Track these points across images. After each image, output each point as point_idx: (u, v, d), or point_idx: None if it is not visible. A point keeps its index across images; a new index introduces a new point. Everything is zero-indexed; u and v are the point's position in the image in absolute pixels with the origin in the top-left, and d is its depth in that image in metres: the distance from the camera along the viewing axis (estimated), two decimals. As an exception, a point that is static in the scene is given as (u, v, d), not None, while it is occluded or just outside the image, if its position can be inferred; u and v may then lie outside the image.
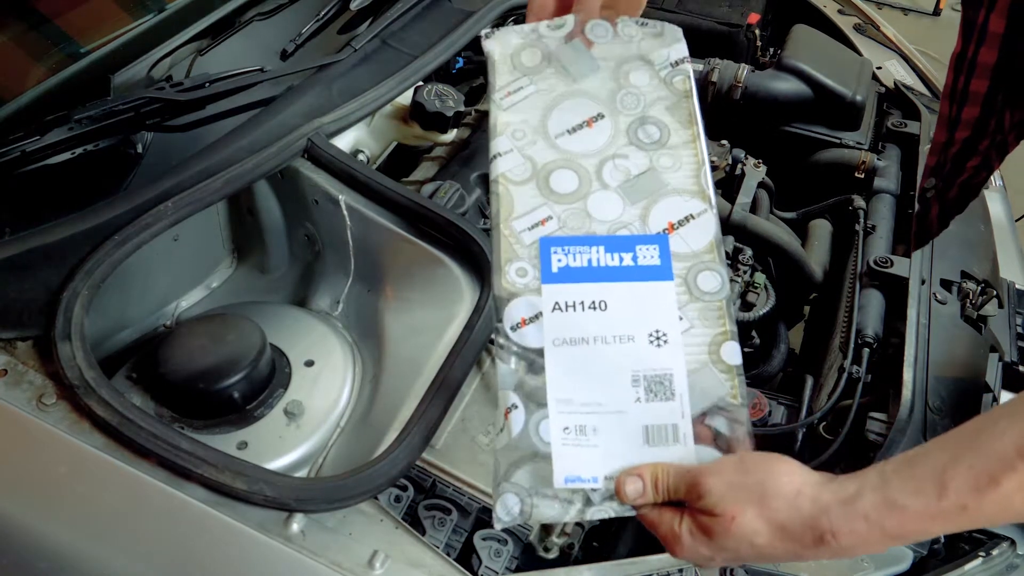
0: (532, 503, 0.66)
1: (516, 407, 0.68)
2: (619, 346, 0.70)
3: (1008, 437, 0.55)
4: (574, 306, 0.71)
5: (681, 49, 0.82)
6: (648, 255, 0.73)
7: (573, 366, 0.69)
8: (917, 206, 1.08)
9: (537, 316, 0.70)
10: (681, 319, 0.71)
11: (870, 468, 0.60)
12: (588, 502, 0.66)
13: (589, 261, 0.72)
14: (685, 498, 0.64)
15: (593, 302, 0.71)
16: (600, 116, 0.79)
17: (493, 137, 0.77)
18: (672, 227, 0.74)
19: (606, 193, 0.76)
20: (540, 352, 0.69)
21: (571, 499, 0.66)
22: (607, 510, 0.66)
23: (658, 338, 0.70)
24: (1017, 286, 1.30)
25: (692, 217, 0.75)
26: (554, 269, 0.72)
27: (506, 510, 0.65)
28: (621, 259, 0.73)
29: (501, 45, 0.81)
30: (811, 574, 0.87)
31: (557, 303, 0.71)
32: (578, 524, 0.96)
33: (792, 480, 0.62)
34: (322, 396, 1.06)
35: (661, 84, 0.81)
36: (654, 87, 0.81)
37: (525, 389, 0.69)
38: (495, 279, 0.72)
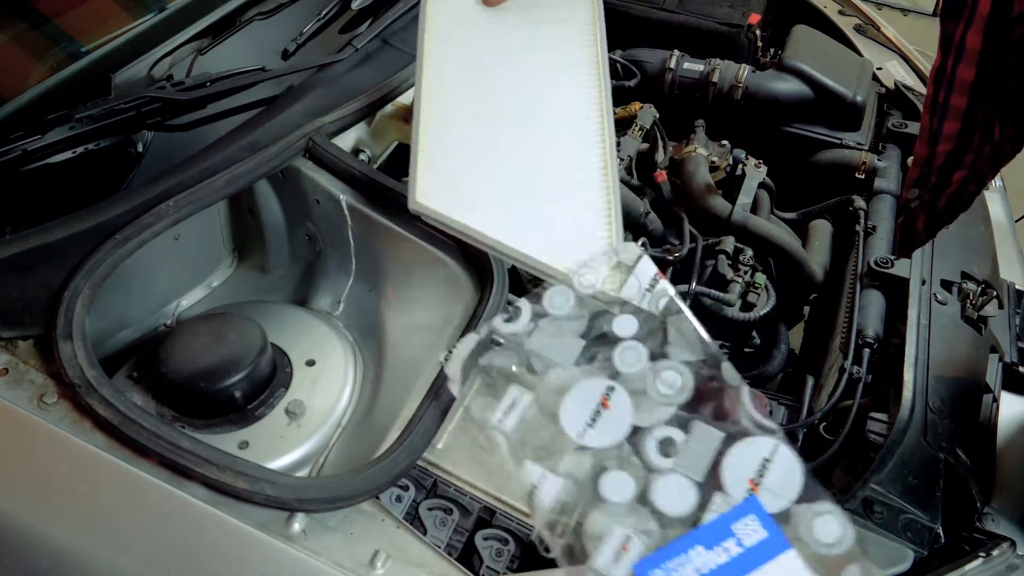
0: None
1: None
2: None
3: None
4: None
5: (648, 267, 0.78)
6: (750, 531, 0.62)
7: None
8: (900, 216, 1.08)
9: None
10: None
11: None
12: None
13: (698, 571, 0.61)
14: None
15: None
16: (611, 389, 0.70)
17: (518, 468, 0.69)
18: (754, 484, 0.64)
19: (666, 479, 0.65)
20: None
21: None
22: None
23: None
24: (1017, 287, 1.30)
25: (767, 461, 0.65)
26: None
27: None
28: (727, 551, 0.61)
29: (462, 363, 0.74)
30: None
31: None
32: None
33: None
34: (323, 396, 1.06)
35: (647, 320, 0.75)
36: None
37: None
38: None
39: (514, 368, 0.81)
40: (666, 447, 0.66)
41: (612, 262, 0.82)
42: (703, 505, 0.63)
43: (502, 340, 0.75)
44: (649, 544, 0.62)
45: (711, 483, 0.64)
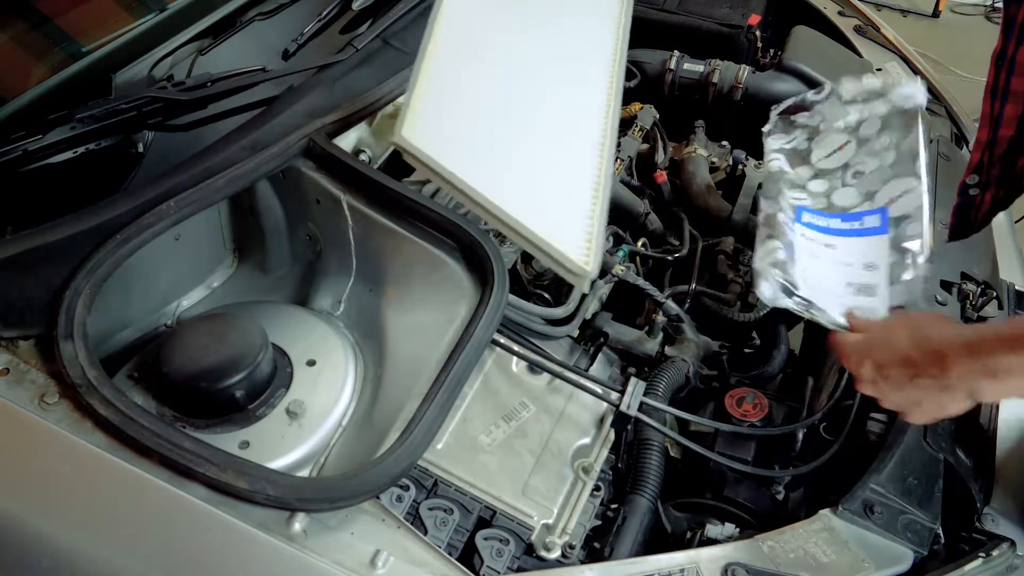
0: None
1: (781, 249, 1.07)
2: (842, 267, 1.09)
3: None
4: (813, 240, 1.13)
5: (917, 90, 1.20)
6: (872, 220, 1.13)
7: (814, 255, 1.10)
8: (957, 198, 1.08)
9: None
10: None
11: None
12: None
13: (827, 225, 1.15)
14: None
15: (827, 244, 1.12)
16: (847, 142, 1.22)
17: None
18: (892, 202, 1.13)
19: (846, 190, 1.18)
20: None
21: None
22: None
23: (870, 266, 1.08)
24: (1017, 287, 1.31)
25: (906, 193, 1.12)
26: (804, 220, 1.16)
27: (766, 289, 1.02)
28: (853, 225, 1.14)
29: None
30: (811, 573, 0.87)
31: (803, 234, 1.13)
32: (579, 524, 0.96)
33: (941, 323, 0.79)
34: (324, 396, 1.06)
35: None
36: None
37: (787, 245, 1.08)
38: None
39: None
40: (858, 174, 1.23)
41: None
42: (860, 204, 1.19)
43: None
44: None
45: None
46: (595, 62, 1.01)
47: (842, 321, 0.97)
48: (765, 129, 1.28)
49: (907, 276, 1.04)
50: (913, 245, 1.07)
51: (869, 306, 1.02)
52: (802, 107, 1.28)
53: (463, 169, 0.86)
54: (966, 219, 1.08)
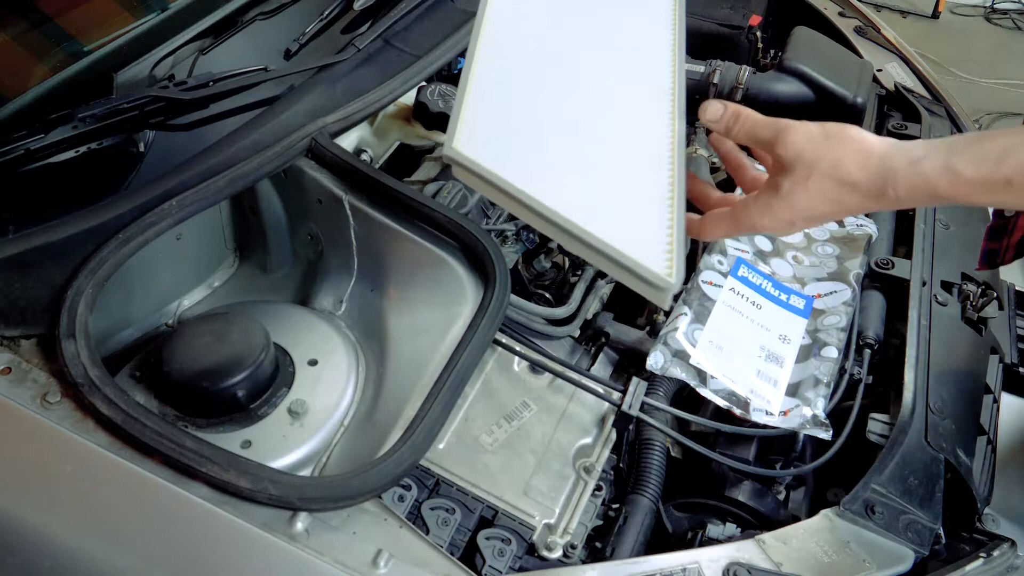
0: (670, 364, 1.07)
1: (686, 315, 1.13)
2: (760, 330, 1.14)
3: None
4: (742, 296, 1.19)
5: None
6: (797, 302, 1.20)
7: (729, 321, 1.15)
8: (993, 218, 1.08)
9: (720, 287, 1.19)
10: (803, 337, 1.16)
11: (940, 139, 0.71)
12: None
13: (760, 284, 1.22)
14: (764, 145, 0.76)
15: (754, 302, 1.19)
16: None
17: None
18: (819, 296, 1.22)
19: (784, 263, 1.28)
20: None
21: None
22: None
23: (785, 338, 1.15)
24: (1017, 288, 1.31)
25: (834, 293, 1.21)
26: (739, 273, 1.22)
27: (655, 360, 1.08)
28: (780, 296, 1.21)
29: None
30: (812, 573, 0.88)
31: (733, 288, 1.19)
32: (581, 524, 0.96)
33: (863, 142, 0.73)
34: (326, 395, 1.06)
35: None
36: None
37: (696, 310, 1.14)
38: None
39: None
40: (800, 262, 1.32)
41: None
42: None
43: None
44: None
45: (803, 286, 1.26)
46: (654, 57, 0.93)
47: (724, 404, 1.04)
48: None
49: (812, 362, 1.11)
50: (829, 352, 1.12)
51: (773, 375, 1.09)
52: None
53: (524, 180, 0.78)
54: (997, 246, 1.07)
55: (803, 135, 0.74)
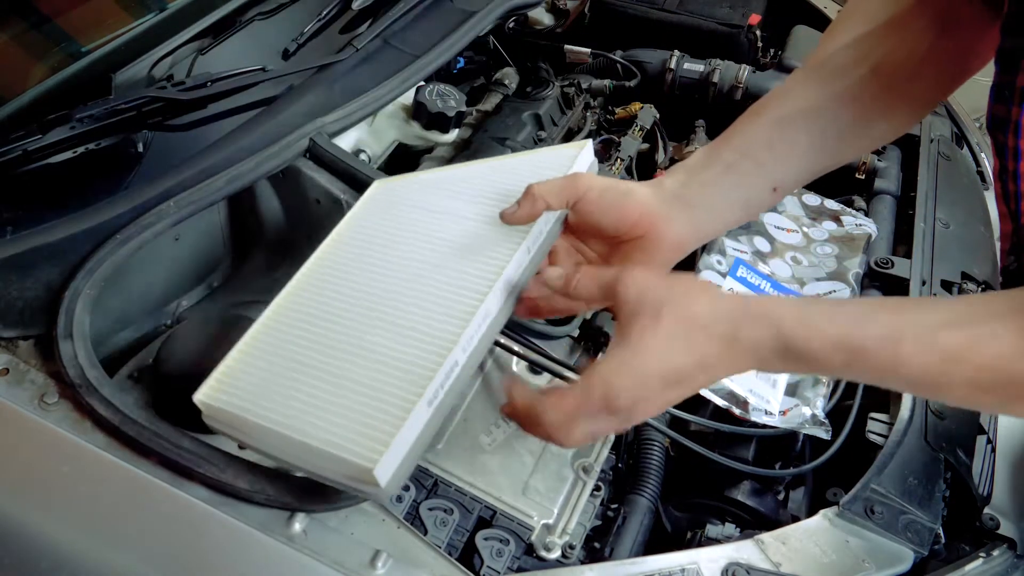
0: None
1: None
2: None
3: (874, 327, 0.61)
4: None
5: None
6: None
7: None
8: (1000, 278, 1.06)
9: None
10: None
11: (783, 298, 0.68)
12: None
13: (759, 284, 1.23)
14: (608, 290, 0.68)
15: None
16: (796, 230, 1.36)
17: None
18: (819, 296, 1.21)
19: (783, 263, 1.29)
20: None
21: None
22: None
23: None
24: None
25: (834, 292, 1.22)
26: (737, 274, 1.23)
27: None
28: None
29: None
30: (811, 573, 0.87)
31: (732, 288, 1.20)
32: (579, 524, 0.96)
33: (713, 286, 0.69)
34: (323, 396, 1.06)
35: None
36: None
37: None
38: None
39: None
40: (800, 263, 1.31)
41: None
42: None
43: None
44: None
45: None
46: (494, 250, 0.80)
47: (723, 403, 1.03)
48: None
49: None
50: None
51: (772, 375, 1.09)
52: None
53: (270, 411, 0.72)
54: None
55: (645, 274, 0.67)
